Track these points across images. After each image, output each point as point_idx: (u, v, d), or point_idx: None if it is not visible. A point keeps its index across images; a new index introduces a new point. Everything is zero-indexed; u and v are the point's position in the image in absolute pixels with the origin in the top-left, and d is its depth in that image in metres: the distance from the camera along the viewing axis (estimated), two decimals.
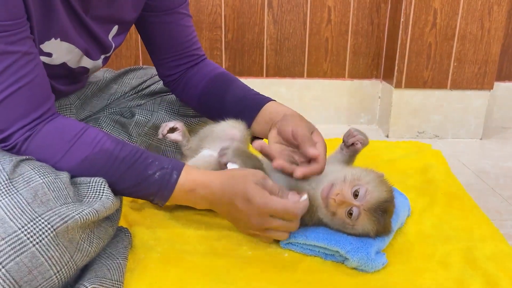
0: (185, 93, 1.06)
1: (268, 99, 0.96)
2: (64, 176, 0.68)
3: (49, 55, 0.81)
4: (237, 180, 0.75)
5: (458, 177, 1.20)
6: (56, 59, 0.83)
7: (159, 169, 0.75)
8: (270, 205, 0.73)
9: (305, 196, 0.76)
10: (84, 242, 0.65)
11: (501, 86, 1.85)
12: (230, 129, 0.93)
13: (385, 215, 0.77)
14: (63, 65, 0.86)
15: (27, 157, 0.69)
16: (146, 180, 0.74)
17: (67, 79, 0.95)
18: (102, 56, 0.93)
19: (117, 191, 0.75)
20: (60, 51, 0.83)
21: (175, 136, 0.94)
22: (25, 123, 0.70)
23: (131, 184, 0.74)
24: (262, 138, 0.98)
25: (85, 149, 0.72)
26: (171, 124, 0.94)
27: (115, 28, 0.92)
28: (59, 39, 0.80)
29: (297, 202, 0.75)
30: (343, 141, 0.92)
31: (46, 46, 0.79)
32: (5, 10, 0.65)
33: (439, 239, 0.87)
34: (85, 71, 0.94)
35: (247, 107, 0.96)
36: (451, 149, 1.57)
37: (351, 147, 0.91)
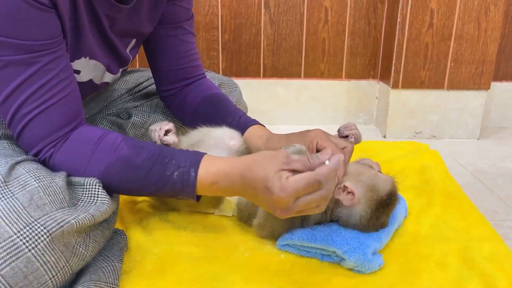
0: (179, 110, 1.06)
1: (251, 123, 0.96)
2: (60, 179, 0.68)
3: (77, 72, 0.83)
4: (257, 166, 0.68)
5: (456, 177, 1.20)
6: (83, 77, 0.85)
7: (176, 168, 0.72)
8: (289, 189, 0.63)
9: (331, 159, 0.65)
10: (80, 247, 0.64)
11: (498, 86, 1.85)
12: (229, 139, 0.90)
13: (396, 196, 0.82)
14: (89, 82, 0.88)
15: (23, 158, 0.68)
16: (167, 182, 0.72)
17: (88, 95, 0.98)
18: (120, 70, 0.94)
19: (145, 195, 0.78)
20: (88, 69, 0.85)
21: (172, 138, 0.89)
22: (52, 139, 0.72)
23: (154, 188, 0.73)
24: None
25: (104, 159, 0.72)
26: (165, 126, 0.90)
27: (133, 42, 0.93)
28: (88, 57, 0.82)
29: (320, 168, 0.64)
30: (338, 131, 0.92)
31: (76, 64, 0.81)
32: (42, 30, 0.67)
33: (437, 239, 0.87)
34: (105, 85, 0.96)
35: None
36: (449, 149, 1.57)
37: (344, 139, 0.91)
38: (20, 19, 0.64)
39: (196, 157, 0.73)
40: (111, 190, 0.76)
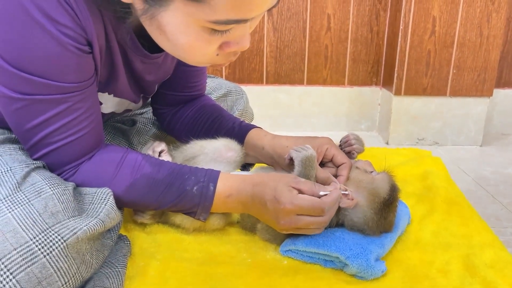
0: (172, 124, 1.05)
1: (253, 126, 0.97)
2: (72, 187, 0.70)
3: (100, 103, 0.84)
4: (268, 179, 0.77)
5: (458, 184, 1.20)
6: (105, 109, 0.87)
7: (196, 184, 0.77)
8: (296, 203, 0.73)
9: (333, 191, 0.77)
10: (87, 254, 0.65)
11: (500, 93, 1.85)
12: (226, 151, 0.90)
13: (396, 189, 0.83)
14: (111, 113, 0.91)
15: (37, 165, 0.70)
16: (186, 196, 0.77)
17: (107, 120, 1.00)
18: (141, 95, 0.95)
19: (162, 209, 0.79)
20: (111, 104, 0.87)
21: (167, 158, 0.89)
22: (73, 165, 0.75)
23: (174, 202, 0.77)
24: (252, 164, 0.99)
25: (128, 177, 0.76)
26: (158, 147, 0.90)
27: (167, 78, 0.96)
28: (112, 95, 0.84)
29: (324, 196, 0.75)
30: (340, 145, 0.93)
31: (99, 96, 0.82)
32: (78, 73, 0.69)
33: (439, 246, 0.87)
34: (128, 111, 0.98)
35: (234, 136, 0.95)
36: (451, 156, 1.57)
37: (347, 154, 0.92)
38: (59, 63, 0.66)
39: (214, 174, 0.79)
40: (131, 205, 0.80)
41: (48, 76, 0.65)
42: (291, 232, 0.79)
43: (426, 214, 1.00)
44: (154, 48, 0.77)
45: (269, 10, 0.66)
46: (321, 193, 0.75)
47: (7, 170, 0.66)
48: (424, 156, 1.40)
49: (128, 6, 0.66)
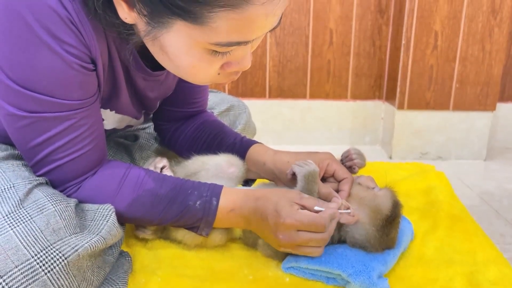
0: (173, 140, 1.06)
1: (254, 142, 0.98)
2: (74, 204, 0.70)
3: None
4: (271, 197, 0.77)
5: (462, 199, 1.20)
6: (106, 125, 0.88)
7: (198, 198, 0.77)
8: (296, 217, 0.73)
9: (334, 205, 0.78)
10: (88, 271, 0.65)
11: (503, 107, 1.85)
12: (228, 166, 0.90)
13: (398, 206, 0.83)
14: (113, 129, 0.92)
15: (40, 181, 0.71)
16: (189, 211, 0.77)
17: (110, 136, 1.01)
18: (143, 111, 0.96)
19: (164, 224, 0.80)
20: (112, 120, 0.88)
21: (168, 173, 0.89)
22: (76, 182, 0.75)
23: (176, 217, 0.77)
24: (254, 179, 0.99)
25: (131, 193, 0.76)
26: (159, 164, 0.90)
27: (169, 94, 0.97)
28: (114, 111, 0.85)
29: (323, 212, 0.75)
30: (341, 160, 0.93)
31: (101, 112, 0.83)
32: (82, 91, 0.70)
33: (442, 263, 0.87)
34: (129, 126, 0.99)
35: (235, 152, 0.95)
36: (455, 170, 1.56)
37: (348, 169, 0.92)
38: (64, 81, 0.67)
39: (216, 188, 0.79)
40: (134, 221, 0.80)
41: (53, 94, 0.66)
42: (290, 251, 0.78)
43: (430, 229, 0.99)
44: (156, 65, 0.78)
45: (271, 30, 0.67)
46: (316, 208, 0.75)
47: (10, 187, 0.66)
48: (428, 170, 1.39)
49: (132, 27, 0.67)
